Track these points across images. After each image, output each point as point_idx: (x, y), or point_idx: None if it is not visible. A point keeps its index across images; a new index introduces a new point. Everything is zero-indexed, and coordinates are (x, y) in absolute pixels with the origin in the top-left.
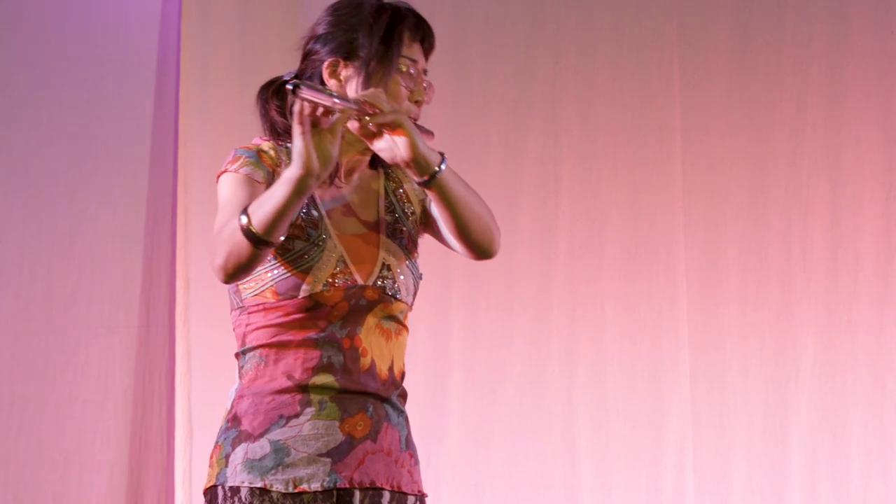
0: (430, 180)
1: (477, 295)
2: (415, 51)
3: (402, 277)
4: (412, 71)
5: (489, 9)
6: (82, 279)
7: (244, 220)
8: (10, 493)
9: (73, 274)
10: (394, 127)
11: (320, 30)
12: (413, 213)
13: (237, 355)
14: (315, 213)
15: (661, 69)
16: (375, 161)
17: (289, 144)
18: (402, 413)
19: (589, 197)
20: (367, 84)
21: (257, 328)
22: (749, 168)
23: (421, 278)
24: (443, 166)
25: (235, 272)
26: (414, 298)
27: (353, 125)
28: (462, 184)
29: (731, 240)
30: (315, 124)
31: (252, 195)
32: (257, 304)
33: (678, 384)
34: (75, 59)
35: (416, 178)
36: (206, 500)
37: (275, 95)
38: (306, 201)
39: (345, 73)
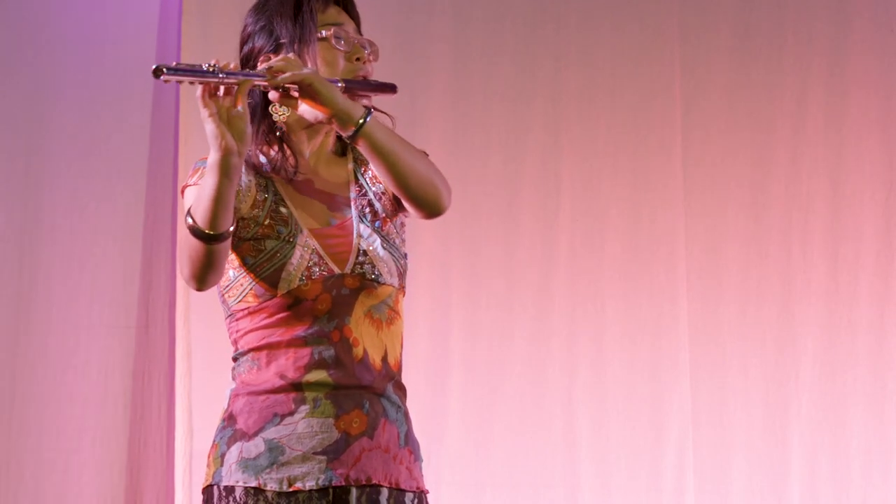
0: (355, 133)
1: (477, 295)
2: (332, 14)
3: (381, 261)
4: (337, 34)
5: (489, 8)
6: (82, 279)
7: (189, 221)
8: (10, 493)
9: (73, 274)
10: (303, 87)
11: (244, 39)
12: (384, 193)
13: (233, 359)
14: (284, 209)
15: (662, 68)
16: (342, 145)
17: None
18: (400, 409)
19: (589, 196)
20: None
21: (246, 332)
22: (750, 167)
23: (405, 258)
24: (368, 118)
25: (203, 276)
26: (402, 280)
27: (272, 95)
28: (394, 137)
29: (731, 239)
30: (219, 103)
31: None
32: (242, 310)
33: (678, 384)
34: (75, 59)
35: (343, 133)
36: (203, 499)
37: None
38: (273, 198)
39: None
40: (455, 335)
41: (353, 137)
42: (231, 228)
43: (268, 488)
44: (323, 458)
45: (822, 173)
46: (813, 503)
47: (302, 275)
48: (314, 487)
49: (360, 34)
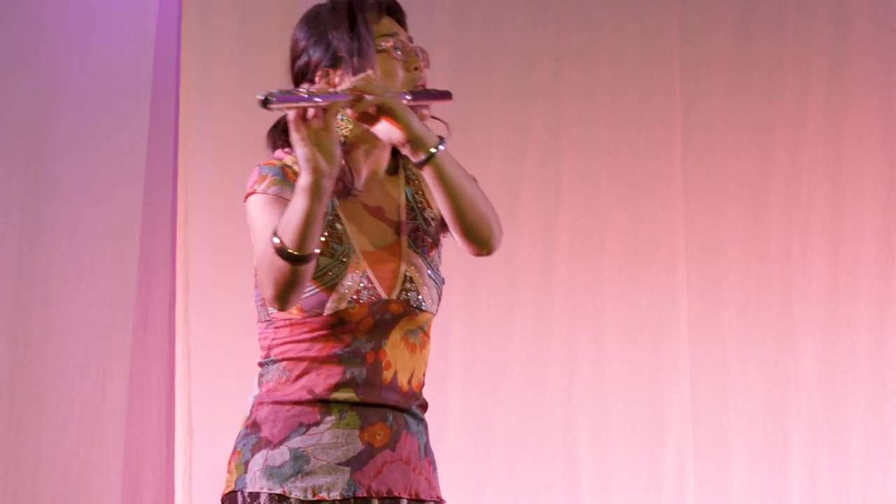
0: (426, 161)
1: (477, 295)
2: (386, 25)
3: (425, 288)
4: (395, 44)
5: (490, 7)
6: (81, 280)
7: (276, 241)
8: (10, 493)
9: (72, 275)
10: (383, 108)
11: (298, 51)
12: (434, 219)
13: (260, 364)
14: (339, 226)
15: (662, 68)
16: (396, 165)
17: None
18: (421, 421)
19: (589, 195)
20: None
21: (283, 343)
22: (750, 167)
23: (443, 283)
24: (440, 147)
25: (288, 296)
26: (438, 305)
27: (351, 113)
28: (461, 171)
29: (731, 239)
30: (310, 126)
31: (280, 216)
32: (284, 320)
33: (678, 384)
34: (74, 60)
35: (413, 158)
36: None
37: (282, 134)
38: (330, 215)
39: (336, 78)
40: (455, 335)
41: (423, 164)
42: (318, 250)
43: (292, 496)
44: (347, 468)
45: (823, 173)
46: (813, 503)
47: (351, 297)
48: (338, 497)
49: (412, 41)
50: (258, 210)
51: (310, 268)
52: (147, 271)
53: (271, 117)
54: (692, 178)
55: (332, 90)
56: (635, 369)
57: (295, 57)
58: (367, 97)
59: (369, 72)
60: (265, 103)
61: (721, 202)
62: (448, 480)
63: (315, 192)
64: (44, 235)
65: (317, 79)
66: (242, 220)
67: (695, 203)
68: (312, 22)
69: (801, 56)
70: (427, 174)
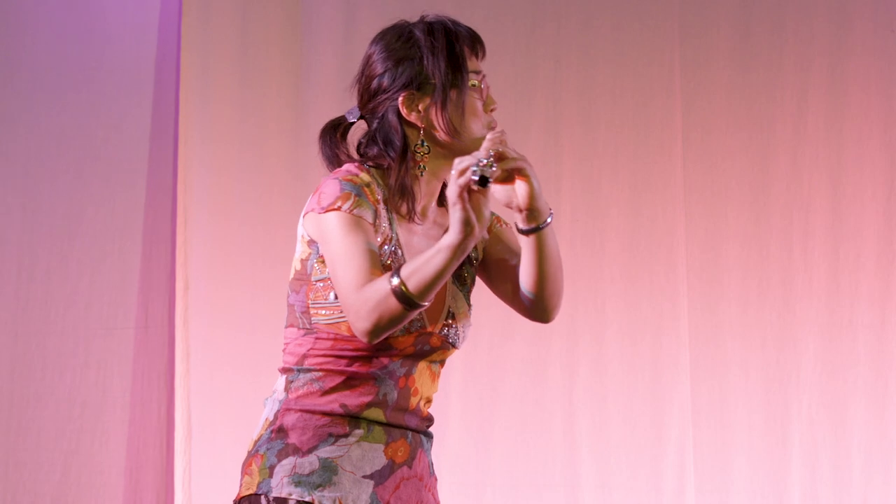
0: (534, 230)
1: (477, 294)
2: (475, 62)
3: (462, 325)
4: (481, 83)
5: (489, 7)
6: (81, 280)
7: (395, 282)
8: (10, 493)
9: (72, 275)
10: (520, 174)
11: (379, 67)
12: (476, 259)
13: (287, 370)
14: (399, 252)
15: (662, 68)
16: (443, 196)
17: (371, 166)
18: (431, 439)
19: (589, 196)
20: (445, 109)
21: (322, 355)
22: (750, 167)
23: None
24: (549, 220)
25: (383, 333)
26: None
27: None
28: (556, 243)
29: (731, 239)
30: (472, 191)
31: (365, 240)
32: (329, 333)
33: (679, 383)
34: (75, 59)
35: (523, 226)
36: None
37: (342, 140)
38: (391, 239)
39: (422, 104)
40: None
41: (529, 232)
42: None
43: None
44: (370, 482)
45: (823, 173)
46: (813, 503)
47: (405, 328)
48: None
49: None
50: (342, 231)
51: (414, 315)
52: (148, 271)
53: (271, 119)
54: (692, 178)
55: (482, 151)
56: (635, 369)
57: (373, 71)
58: (510, 159)
59: (501, 133)
60: (485, 182)
61: (721, 202)
62: (448, 480)
63: (461, 252)
64: (44, 235)
65: (400, 101)
66: (242, 219)
67: (695, 203)
68: (403, 40)
69: (801, 56)
70: (528, 242)
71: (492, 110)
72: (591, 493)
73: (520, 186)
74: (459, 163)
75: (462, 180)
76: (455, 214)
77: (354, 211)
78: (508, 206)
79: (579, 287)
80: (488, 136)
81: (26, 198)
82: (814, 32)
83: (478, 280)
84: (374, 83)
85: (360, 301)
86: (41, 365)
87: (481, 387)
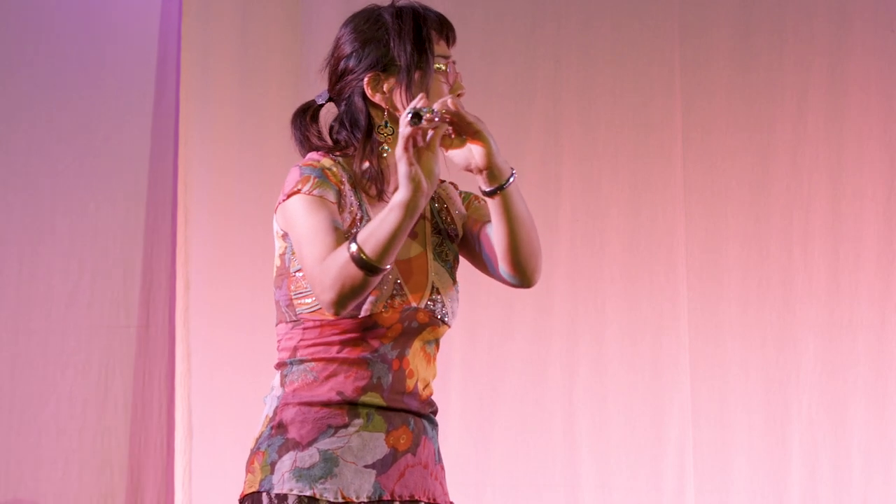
0: (497, 190)
1: (477, 294)
2: (443, 46)
3: (449, 301)
4: (448, 67)
5: (489, 7)
6: (82, 279)
7: (354, 248)
8: (10, 493)
9: (73, 274)
10: (475, 135)
11: (347, 48)
12: (456, 236)
13: (282, 365)
14: None
15: (663, 68)
16: None
17: (337, 154)
18: (436, 426)
19: (590, 196)
20: (409, 91)
21: (312, 344)
22: (750, 166)
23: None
24: (511, 179)
25: (349, 303)
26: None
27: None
28: (525, 205)
29: (731, 239)
30: (416, 145)
31: (328, 217)
32: (314, 321)
33: (679, 383)
34: (75, 59)
35: (485, 187)
36: None
37: (313, 121)
38: (362, 219)
39: (387, 85)
40: (455, 335)
41: (493, 193)
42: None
43: (322, 498)
44: (373, 471)
45: (823, 173)
46: (813, 503)
47: (385, 302)
48: (365, 500)
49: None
50: (303, 211)
51: (376, 281)
52: (149, 270)
53: (271, 119)
54: (692, 178)
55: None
56: (635, 369)
57: (341, 53)
58: (465, 122)
59: (454, 97)
60: (418, 119)
61: (721, 202)
62: (448, 480)
63: (411, 209)
64: (44, 235)
65: (365, 82)
66: (242, 219)
67: (695, 203)
68: (371, 22)
69: (801, 56)
70: (494, 203)
71: (459, 95)
72: (591, 493)
73: (476, 148)
74: (404, 116)
75: (405, 131)
76: (401, 169)
77: (315, 192)
78: (468, 169)
79: (579, 287)
80: (439, 101)
81: (27, 196)
82: (814, 32)
83: (474, 284)
84: (342, 65)
85: (323, 272)
86: (42, 363)
87: (481, 387)
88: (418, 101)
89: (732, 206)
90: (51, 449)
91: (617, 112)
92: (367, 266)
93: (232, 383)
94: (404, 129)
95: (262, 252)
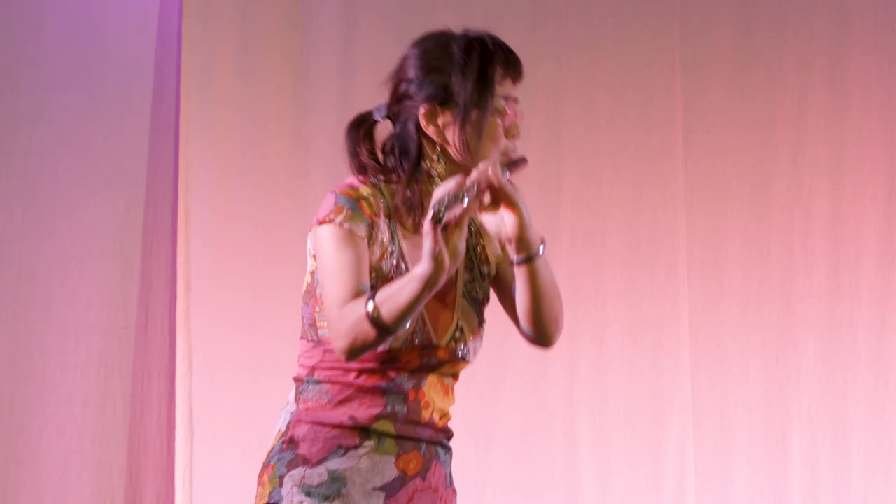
0: (525, 261)
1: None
2: (507, 86)
3: (472, 340)
4: (509, 110)
5: (489, 8)
6: (82, 279)
7: (370, 308)
8: (10, 492)
9: (73, 274)
10: (510, 205)
11: (411, 72)
12: (488, 275)
13: (299, 380)
14: (403, 266)
15: (663, 67)
16: None
17: (381, 179)
18: (448, 451)
19: (590, 194)
20: (464, 130)
21: (329, 367)
22: (751, 166)
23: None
24: (541, 250)
25: (360, 355)
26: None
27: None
28: (550, 273)
29: (732, 238)
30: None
31: (354, 256)
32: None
33: (679, 383)
34: (75, 59)
35: (513, 255)
36: None
37: (366, 138)
38: (392, 252)
39: (442, 119)
40: None
41: (521, 263)
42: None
43: None
44: (381, 494)
45: (824, 172)
46: (813, 503)
47: (406, 339)
48: None
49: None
50: (331, 244)
51: (389, 340)
52: (149, 271)
53: (271, 119)
54: (693, 177)
55: (470, 186)
56: (636, 368)
57: (404, 75)
58: (500, 189)
59: (491, 162)
60: (439, 221)
61: (722, 201)
62: None
63: (431, 284)
64: (44, 235)
65: (421, 112)
66: (243, 219)
67: (696, 202)
68: (439, 50)
69: (801, 56)
70: (521, 272)
71: (513, 137)
72: (591, 494)
73: (508, 216)
74: (435, 194)
75: (428, 219)
76: (426, 245)
77: (345, 224)
78: (499, 236)
79: (580, 286)
80: (475, 170)
81: (27, 197)
82: (814, 32)
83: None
84: (402, 87)
85: (339, 320)
86: (42, 364)
87: (481, 387)
88: (451, 191)
89: (733, 205)
90: (50, 449)
91: (618, 111)
92: (382, 328)
93: (232, 383)
94: (428, 222)
95: (263, 252)
